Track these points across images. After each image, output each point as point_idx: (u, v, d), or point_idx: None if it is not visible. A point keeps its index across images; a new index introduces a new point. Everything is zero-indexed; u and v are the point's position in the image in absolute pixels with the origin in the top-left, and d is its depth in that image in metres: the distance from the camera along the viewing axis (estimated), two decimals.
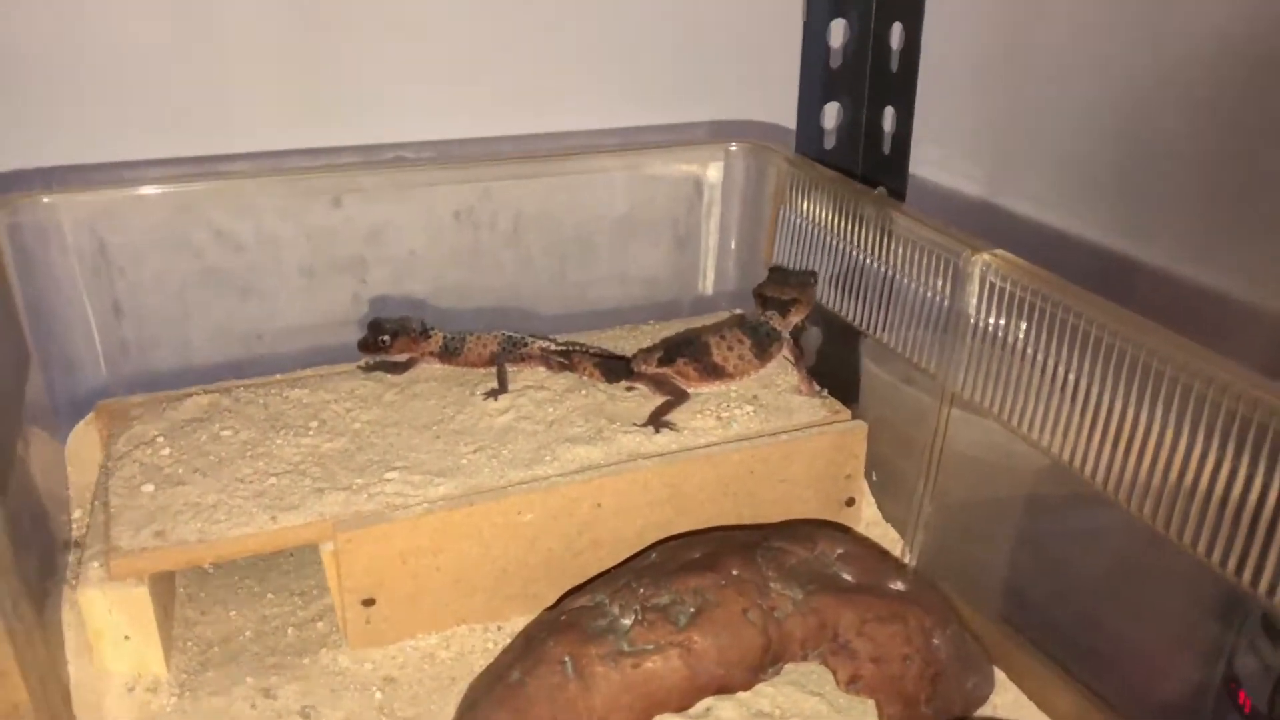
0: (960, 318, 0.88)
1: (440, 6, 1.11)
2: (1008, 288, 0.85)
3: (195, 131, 1.07)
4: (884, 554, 0.90)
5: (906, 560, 0.97)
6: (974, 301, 0.88)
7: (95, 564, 0.83)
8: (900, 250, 0.95)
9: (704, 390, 1.01)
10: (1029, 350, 0.82)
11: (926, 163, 1.20)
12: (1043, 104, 1.11)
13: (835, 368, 1.09)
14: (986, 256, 0.87)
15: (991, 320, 0.86)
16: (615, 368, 1.02)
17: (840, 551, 0.85)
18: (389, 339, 1.02)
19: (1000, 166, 1.16)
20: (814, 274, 1.04)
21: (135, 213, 1.00)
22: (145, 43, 1.03)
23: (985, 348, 0.87)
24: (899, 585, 0.84)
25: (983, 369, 0.87)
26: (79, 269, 1.00)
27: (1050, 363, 0.80)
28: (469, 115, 1.15)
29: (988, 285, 0.87)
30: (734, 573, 0.80)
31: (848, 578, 0.83)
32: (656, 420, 0.97)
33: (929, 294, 0.92)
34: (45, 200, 0.96)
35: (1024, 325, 0.83)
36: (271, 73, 1.08)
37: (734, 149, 1.17)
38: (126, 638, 0.81)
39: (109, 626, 0.82)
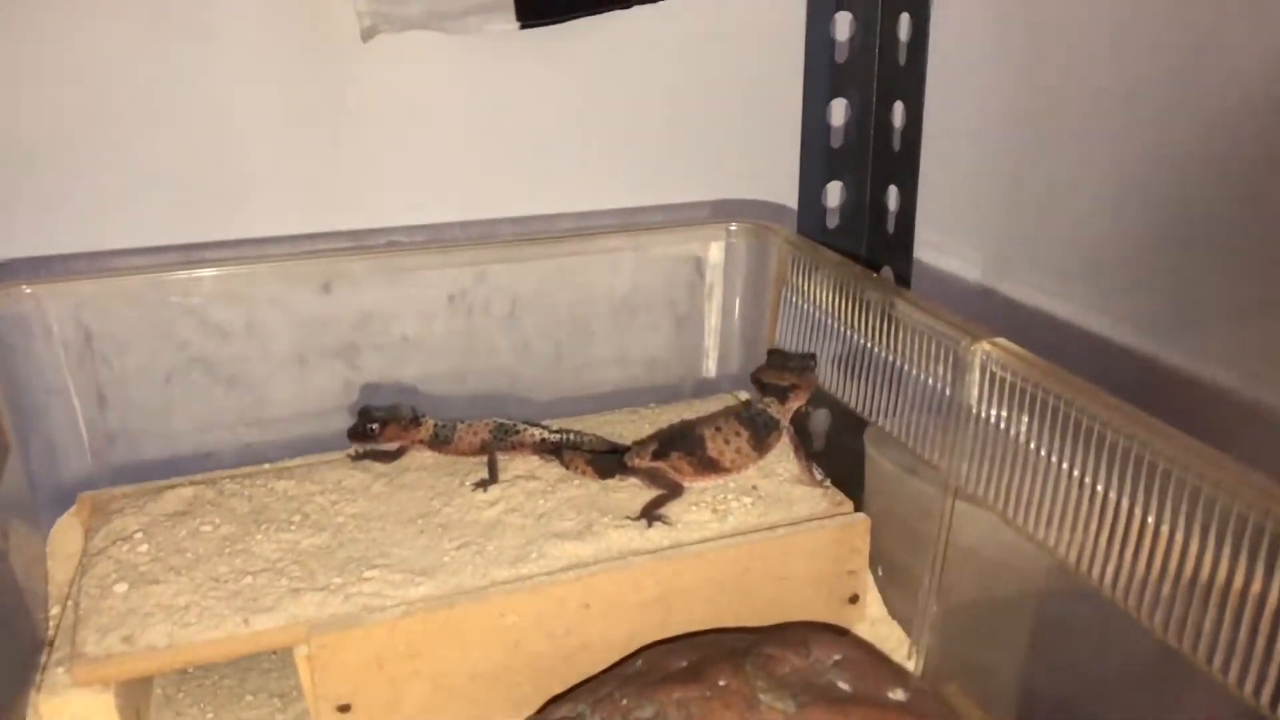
0: (962, 408, 0.85)
1: (434, 91, 1.10)
2: (1008, 378, 0.81)
3: (182, 218, 1.06)
4: (883, 659, 0.86)
5: (913, 661, 0.93)
6: (975, 391, 0.84)
7: (61, 669, 0.80)
8: (902, 336, 0.92)
9: (699, 485, 0.98)
10: (1031, 444, 0.79)
11: (929, 246, 1.17)
12: (1050, 187, 1.07)
13: (838, 454, 1.05)
14: (986, 345, 0.83)
15: (993, 411, 0.83)
16: (608, 464, 0.98)
17: (837, 658, 0.81)
18: (378, 427, 1.00)
19: (1004, 250, 1.13)
20: (813, 357, 1.01)
21: (120, 301, 0.99)
22: (132, 129, 1.03)
23: (988, 440, 0.83)
24: (899, 694, 0.79)
25: (985, 462, 0.84)
26: (64, 359, 0.98)
27: (1053, 457, 0.76)
28: (463, 198, 1.14)
29: (989, 375, 0.83)
30: (720, 683, 0.76)
31: (844, 686, 0.79)
32: (649, 514, 0.94)
33: (932, 382, 0.89)
34: (27, 290, 0.95)
35: (1025, 418, 0.79)
36: (262, 158, 1.07)
37: (734, 229, 1.15)
38: None
39: None
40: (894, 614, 0.97)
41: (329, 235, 1.09)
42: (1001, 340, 0.83)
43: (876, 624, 0.97)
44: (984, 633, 0.90)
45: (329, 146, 1.08)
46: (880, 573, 0.99)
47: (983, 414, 0.83)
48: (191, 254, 1.05)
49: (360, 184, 1.09)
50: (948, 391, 0.87)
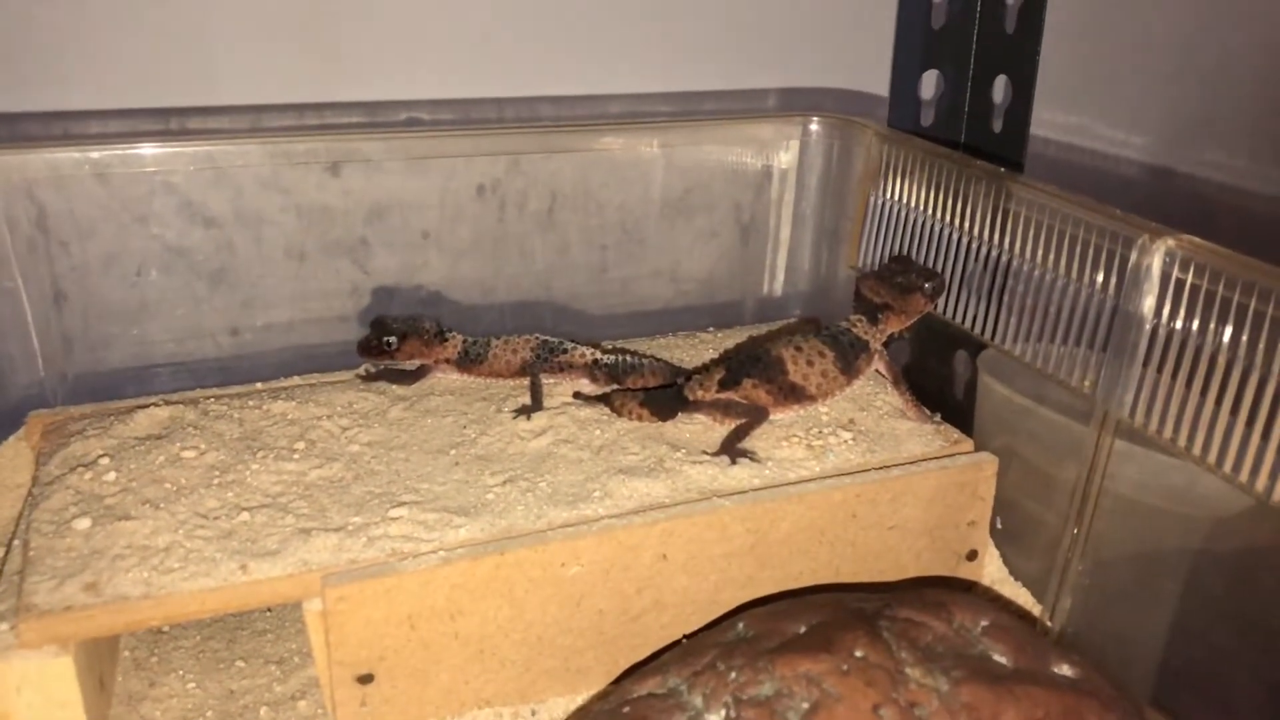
0: (1131, 323, 0.70)
1: None
2: (1203, 283, 0.66)
3: (162, 78, 0.91)
4: (1033, 624, 0.70)
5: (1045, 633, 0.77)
6: (1152, 301, 0.69)
7: (3, 626, 0.63)
8: (1044, 240, 0.76)
9: (782, 416, 0.82)
10: (1231, 365, 0.63)
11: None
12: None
13: (939, 385, 0.90)
14: (1171, 242, 0.67)
15: (1179, 325, 0.67)
16: (667, 402, 0.81)
17: (985, 624, 0.66)
18: (396, 341, 0.85)
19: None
20: (934, 275, 0.84)
21: (84, 176, 0.84)
22: None
23: (1167, 361, 0.68)
24: (1066, 671, 0.64)
25: (1162, 388, 0.68)
26: (10, 243, 0.83)
27: (1262, 379, 0.62)
28: (498, 70, 1.00)
29: (1173, 281, 0.67)
30: (857, 654, 0.61)
31: (1001, 660, 0.63)
32: (732, 448, 0.78)
33: (1084, 293, 0.73)
34: None
35: (1227, 331, 0.64)
36: (257, 11, 0.91)
37: (815, 123, 0.98)
38: None
39: (20, 708, 0.63)
40: (1017, 575, 0.82)
41: (337, 106, 0.95)
42: (1190, 237, 0.67)
43: (996, 587, 0.82)
44: (1140, 600, 0.74)
45: None
46: (1000, 526, 0.83)
47: (1162, 330, 0.68)
48: (170, 120, 0.89)
49: (377, 46, 0.93)
50: (1109, 305, 0.71)
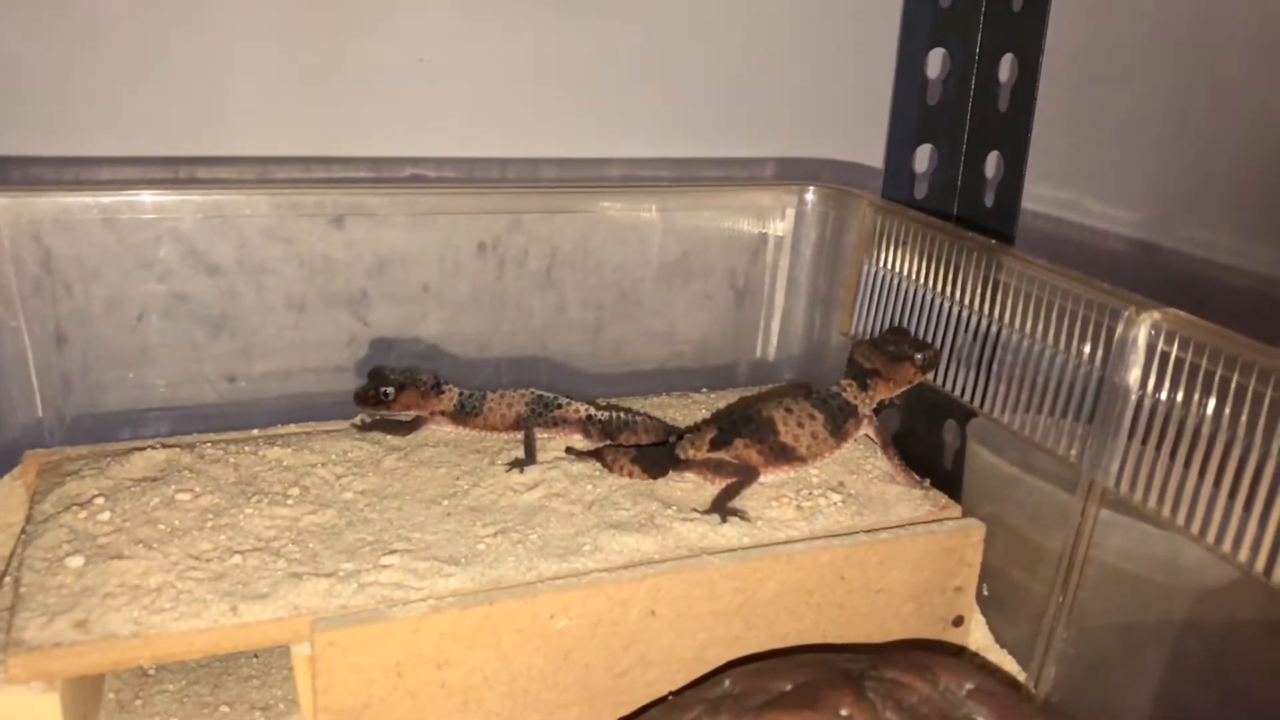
0: (1117, 394, 0.71)
1: (477, 6, 0.95)
2: (1187, 356, 0.67)
3: (173, 127, 0.92)
4: (1018, 689, 0.70)
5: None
6: (1137, 373, 0.70)
7: None
8: (1031, 311, 0.77)
9: (772, 478, 0.82)
10: (1215, 436, 0.64)
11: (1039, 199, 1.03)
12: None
13: (928, 451, 0.91)
14: (1156, 316, 0.69)
15: (1163, 396, 0.68)
16: (658, 460, 0.82)
17: (970, 687, 0.66)
18: (393, 392, 0.85)
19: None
20: (927, 348, 0.84)
21: (92, 220, 0.85)
22: (122, 23, 0.86)
23: (1152, 432, 0.69)
24: None
25: (1147, 459, 0.69)
26: (16, 284, 0.83)
27: (1244, 452, 0.63)
28: (502, 131, 1.01)
29: (1158, 353, 0.69)
30: (842, 713, 0.61)
31: None
32: (722, 507, 0.79)
33: (1071, 364, 0.74)
34: None
35: (1210, 403, 0.65)
36: (269, 65, 0.93)
37: (811, 192, 1.00)
38: None
39: None
40: (1001, 641, 0.82)
41: (344, 161, 0.95)
42: (1175, 311, 0.69)
43: (983, 652, 0.82)
44: (1125, 670, 0.75)
45: (347, 53, 0.92)
46: (985, 591, 0.83)
47: (1147, 401, 0.69)
48: (179, 168, 0.89)
49: (385, 103, 0.94)
50: (1096, 375, 0.72)
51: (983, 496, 0.85)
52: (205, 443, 0.84)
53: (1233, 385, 0.63)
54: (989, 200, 0.99)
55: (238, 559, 0.70)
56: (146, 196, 0.85)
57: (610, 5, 1.00)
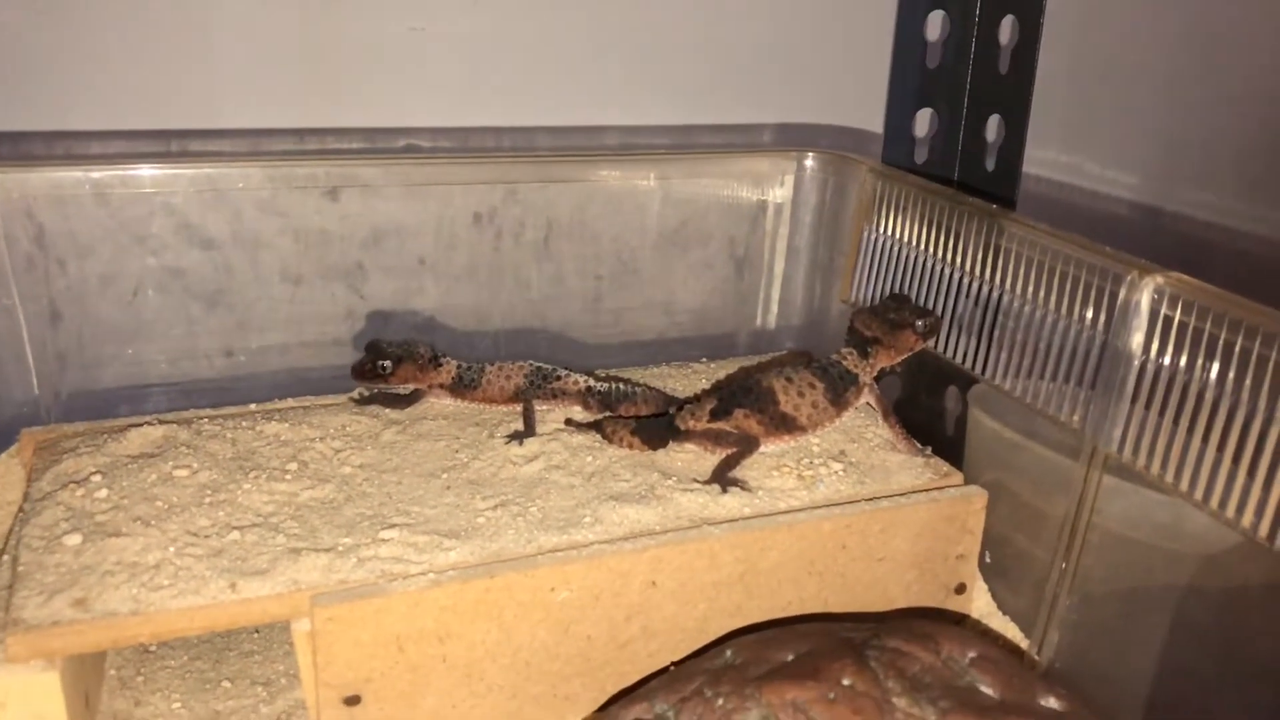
0: (1120, 359, 0.70)
1: None
2: (1191, 320, 0.66)
3: (165, 100, 0.91)
4: (1022, 659, 0.70)
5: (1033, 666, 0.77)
6: (1140, 338, 0.69)
7: None
8: (1033, 277, 0.77)
9: (773, 447, 0.82)
10: (1218, 401, 0.64)
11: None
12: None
13: (930, 419, 0.90)
14: (1159, 280, 0.68)
15: (1166, 361, 0.67)
16: (657, 431, 0.81)
17: (973, 655, 0.66)
18: (391, 365, 0.85)
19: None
20: (928, 315, 0.84)
21: (85, 195, 0.84)
22: None
23: (1155, 397, 0.68)
24: (1052, 703, 0.64)
25: (1150, 425, 0.69)
26: (9, 261, 0.83)
27: (1248, 417, 0.62)
28: (497, 100, 0.99)
29: (1161, 317, 0.68)
30: (844, 682, 0.61)
31: (988, 692, 0.63)
32: (723, 477, 0.78)
33: (1074, 330, 0.74)
34: None
35: (1214, 367, 0.64)
36: (261, 36, 0.91)
37: (810, 159, 0.99)
38: None
39: None
40: (1004, 609, 0.82)
41: (337, 132, 0.94)
42: (1178, 275, 0.68)
43: (985, 619, 0.82)
44: (1128, 637, 0.74)
45: (339, 22, 0.91)
46: (988, 559, 0.83)
47: (1150, 366, 0.68)
48: (171, 142, 0.89)
49: (378, 73, 0.93)
50: (1099, 341, 0.72)
51: (985, 464, 0.84)
52: (202, 418, 0.84)
53: (1236, 349, 0.63)
54: (990, 164, 0.98)
55: (236, 535, 0.70)
56: (139, 171, 0.84)
57: None
